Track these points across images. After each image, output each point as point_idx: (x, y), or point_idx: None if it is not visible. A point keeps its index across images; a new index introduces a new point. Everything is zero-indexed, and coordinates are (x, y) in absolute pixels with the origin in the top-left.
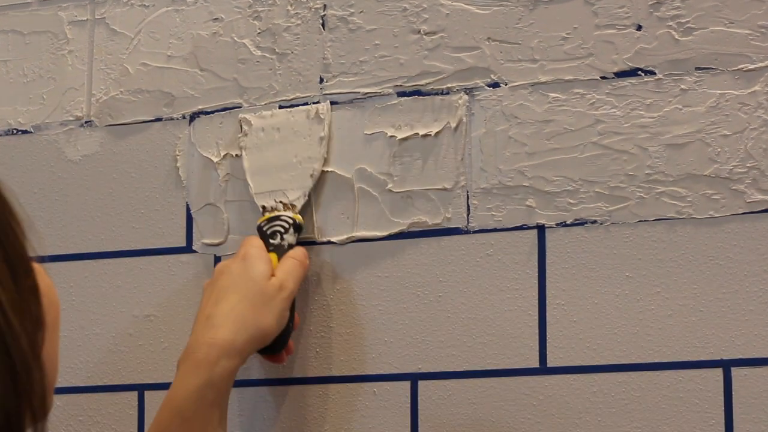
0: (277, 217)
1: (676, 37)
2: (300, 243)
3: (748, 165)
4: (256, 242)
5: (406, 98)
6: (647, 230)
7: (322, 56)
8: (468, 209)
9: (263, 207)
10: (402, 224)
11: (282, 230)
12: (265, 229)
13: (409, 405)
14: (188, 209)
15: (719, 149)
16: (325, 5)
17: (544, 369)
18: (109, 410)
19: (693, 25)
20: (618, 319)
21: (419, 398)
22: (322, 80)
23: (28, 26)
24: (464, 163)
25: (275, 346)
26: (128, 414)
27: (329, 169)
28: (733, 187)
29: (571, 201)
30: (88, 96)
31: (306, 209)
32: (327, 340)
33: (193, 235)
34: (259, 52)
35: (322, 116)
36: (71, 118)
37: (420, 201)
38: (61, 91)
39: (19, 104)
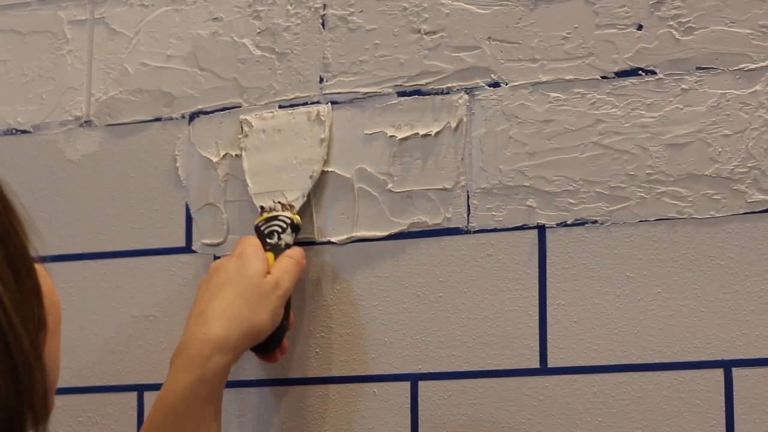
0: (275, 217)
1: (677, 36)
2: (300, 243)
3: (749, 165)
4: (253, 241)
5: (406, 98)
6: (648, 230)
7: (322, 56)
8: (468, 209)
9: (261, 207)
10: (402, 224)
11: (279, 230)
12: (262, 228)
13: (409, 405)
14: (188, 209)
15: (720, 149)
16: (324, 5)
17: (544, 369)
18: (109, 410)
19: (694, 25)
20: (619, 320)
21: (419, 399)
22: (322, 80)
23: (28, 26)
24: (464, 163)
25: (269, 345)
26: (127, 414)
27: (329, 169)
28: (734, 187)
29: (572, 201)
30: (88, 96)
31: (305, 210)
32: (327, 341)
33: (193, 235)
34: (258, 52)
35: (323, 118)
36: (70, 118)
37: (420, 201)
38: (61, 90)
39: (19, 104)
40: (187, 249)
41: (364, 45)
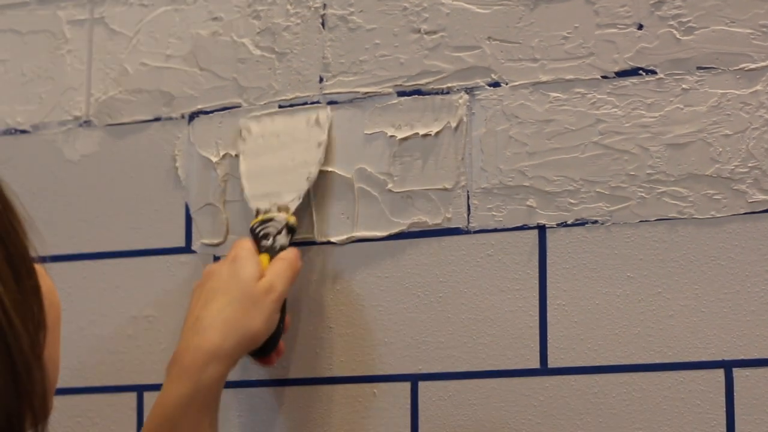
0: (270, 219)
1: (678, 36)
2: (300, 243)
3: (749, 165)
4: (246, 244)
5: (406, 98)
6: (648, 230)
7: (322, 56)
8: (468, 209)
9: (257, 210)
10: (402, 224)
11: (274, 232)
12: (257, 230)
13: (409, 406)
14: (187, 209)
15: (721, 149)
16: (324, 4)
17: (544, 370)
18: (108, 411)
19: (694, 25)
20: (619, 320)
21: (419, 399)
22: (321, 80)
23: (27, 26)
24: (464, 163)
25: (265, 349)
26: (127, 415)
27: (329, 169)
28: (735, 187)
29: (572, 201)
30: (87, 96)
31: (301, 211)
32: (327, 341)
33: (193, 235)
34: (258, 52)
35: (322, 123)
36: (70, 118)
37: (420, 201)
38: (60, 90)
39: (18, 104)
40: (187, 249)
41: (364, 45)
